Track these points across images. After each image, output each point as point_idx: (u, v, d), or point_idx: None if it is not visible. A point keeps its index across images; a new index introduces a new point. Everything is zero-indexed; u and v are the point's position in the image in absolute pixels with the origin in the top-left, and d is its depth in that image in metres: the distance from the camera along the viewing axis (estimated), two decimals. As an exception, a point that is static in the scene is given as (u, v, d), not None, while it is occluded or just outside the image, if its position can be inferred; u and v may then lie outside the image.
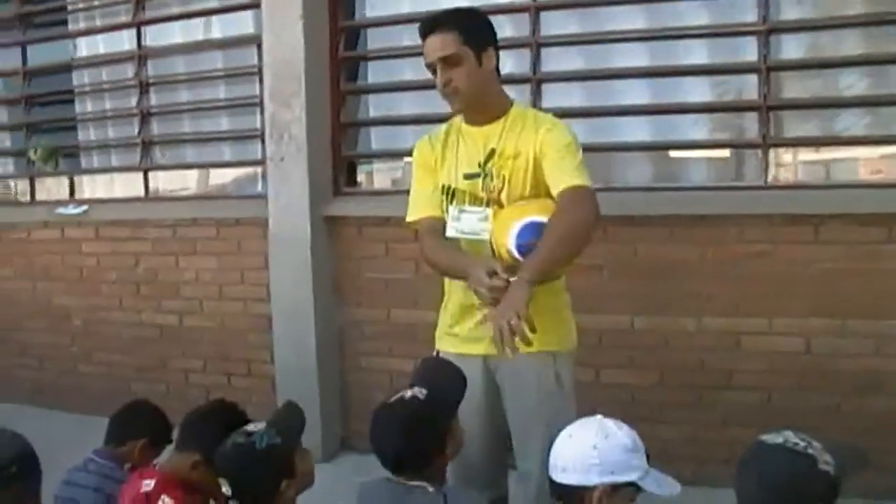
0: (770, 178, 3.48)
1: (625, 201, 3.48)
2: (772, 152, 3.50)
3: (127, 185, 5.01)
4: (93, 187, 5.21)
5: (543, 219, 2.19)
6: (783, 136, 3.53)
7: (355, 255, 4.08)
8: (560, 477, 1.86)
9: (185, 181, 4.98)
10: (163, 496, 2.29)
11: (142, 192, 4.86)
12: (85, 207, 4.84)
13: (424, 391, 2.11)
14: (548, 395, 2.37)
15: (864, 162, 3.57)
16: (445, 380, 2.22)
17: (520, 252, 2.18)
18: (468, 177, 2.37)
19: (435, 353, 2.54)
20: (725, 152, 3.77)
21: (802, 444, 1.67)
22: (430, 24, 2.33)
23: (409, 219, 2.52)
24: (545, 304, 2.25)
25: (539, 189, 2.32)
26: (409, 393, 2.12)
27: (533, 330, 1.98)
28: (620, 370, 3.57)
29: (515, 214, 2.25)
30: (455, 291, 2.46)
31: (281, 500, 2.10)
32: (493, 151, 2.34)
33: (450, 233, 2.39)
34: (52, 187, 5.31)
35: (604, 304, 3.54)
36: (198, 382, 4.50)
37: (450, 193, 2.41)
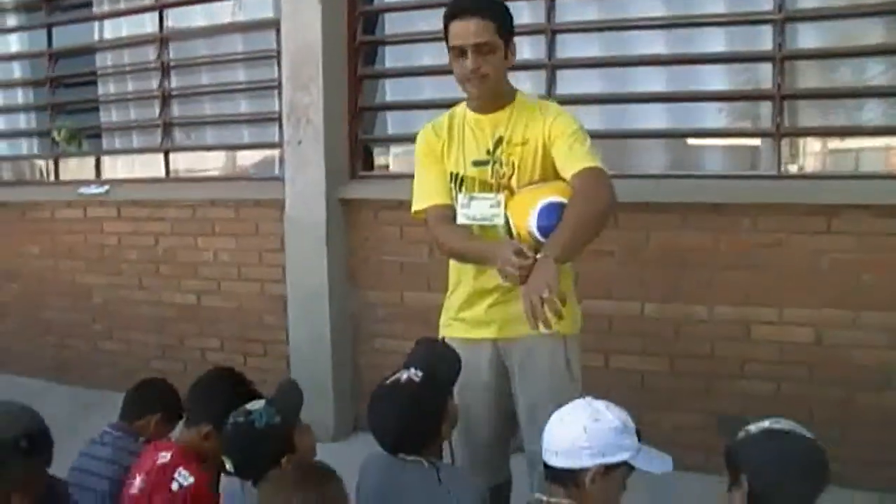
0: (783, 168, 3.44)
1: (638, 188, 3.45)
2: (785, 142, 3.46)
3: (148, 165, 5.03)
4: (115, 168, 5.23)
5: (562, 199, 2.19)
6: (797, 126, 3.49)
7: (370, 237, 4.09)
8: (553, 460, 1.86)
9: (204, 163, 5.00)
10: (178, 468, 2.33)
11: (162, 173, 4.89)
12: (106, 187, 4.88)
13: (420, 373, 2.15)
14: (558, 378, 2.38)
15: (879, 153, 3.52)
16: (440, 361, 2.26)
17: (541, 233, 2.17)
18: (477, 164, 2.37)
19: (440, 339, 2.53)
20: (741, 141, 3.74)
21: (809, 432, 1.73)
22: (469, 7, 2.27)
23: (416, 207, 2.49)
24: (564, 285, 2.22)
25: (547, 175, 2.33)
26: (404, 375, 2.15)
27: (563, 303, 1.96)
28: (630, 356, 3.57)
29: (533, 196, 2.24)
30: (465, 277, 2.46)
31: None
32: (501, 139, 2.35)
33: (460, 220, 2.37)
34: (76, 167, 5.36)
35: (615, 290, 3.54)
36: (215, 361, 4.49)
37: (458, 181, 2.40)
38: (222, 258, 4.50)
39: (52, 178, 5.36)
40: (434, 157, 2.45)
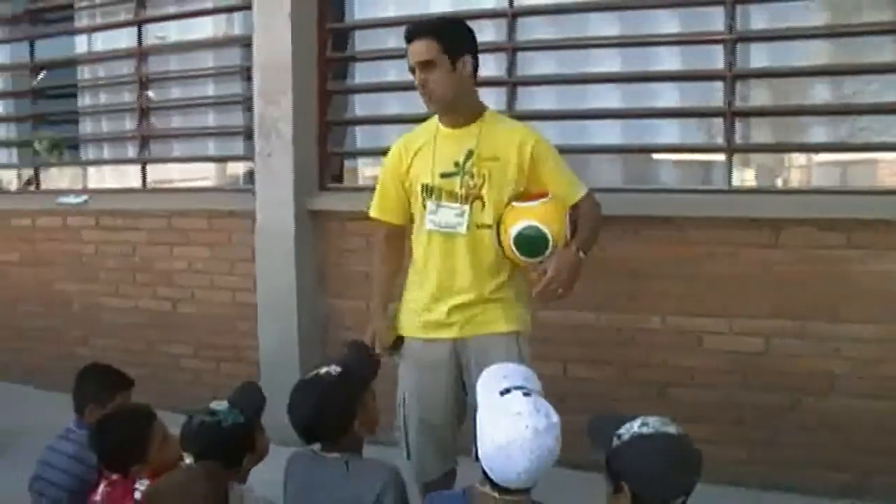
0: (733, 183, 3.42)
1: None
2: (736, 157, 3.45)
3: (125, 176, 4.97)
4: (94, 178, 5.16)
5: (539, 225, 2.39)
6: (748, 142, 3.48)
7: (338, 247, 4.04)
8: None
9: (180, 174, 4.95)
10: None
11: (139, 184, 4.82)
12: (85, 197, 4.81)
13: (338, 369, 2.22)
14: None
15: (824, 168, 3.53)
16: (360, 362, 2.38)
17: (513, 241, 2.39)
18: (445, 175, 2.47)
19: (396, 339, 2.67)
20: (693, 156, 3.73)
21: (673, 426, 1.77)
22: (414, 31, 2.47)
23: (372, 214, 2.72)
24: (517, 289, 2.55)
25: (518, 188, 2.48)
26: (323, 369, 2.23)
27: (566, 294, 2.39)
28: (585, 364, 3.54)
29: (525, 213, 2.41)
30: (431, 275, 2.54)
31: (241, 472, 2.19)
32: (471, 152, 2.45)
33: (427, 226, 2.50)
34: (56, 177, 5.29)
35: (571, 301, 3.45)
36: (188, 367, 4.49)
37: (428, 190, 2.50)
38: (196, 267, 4.44)
39: (32, 187, 5.27)
40: (396, 173, 2.60)
